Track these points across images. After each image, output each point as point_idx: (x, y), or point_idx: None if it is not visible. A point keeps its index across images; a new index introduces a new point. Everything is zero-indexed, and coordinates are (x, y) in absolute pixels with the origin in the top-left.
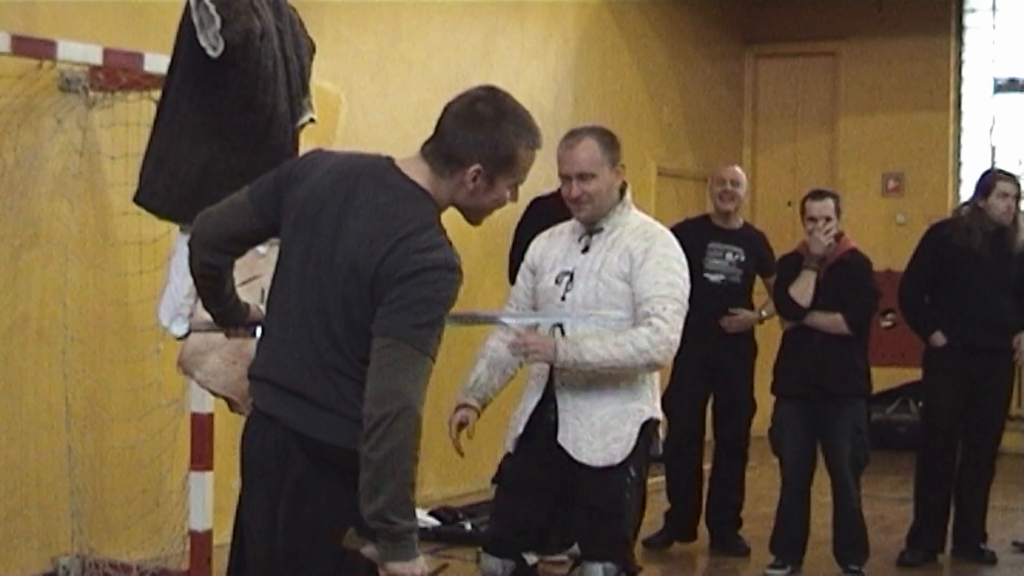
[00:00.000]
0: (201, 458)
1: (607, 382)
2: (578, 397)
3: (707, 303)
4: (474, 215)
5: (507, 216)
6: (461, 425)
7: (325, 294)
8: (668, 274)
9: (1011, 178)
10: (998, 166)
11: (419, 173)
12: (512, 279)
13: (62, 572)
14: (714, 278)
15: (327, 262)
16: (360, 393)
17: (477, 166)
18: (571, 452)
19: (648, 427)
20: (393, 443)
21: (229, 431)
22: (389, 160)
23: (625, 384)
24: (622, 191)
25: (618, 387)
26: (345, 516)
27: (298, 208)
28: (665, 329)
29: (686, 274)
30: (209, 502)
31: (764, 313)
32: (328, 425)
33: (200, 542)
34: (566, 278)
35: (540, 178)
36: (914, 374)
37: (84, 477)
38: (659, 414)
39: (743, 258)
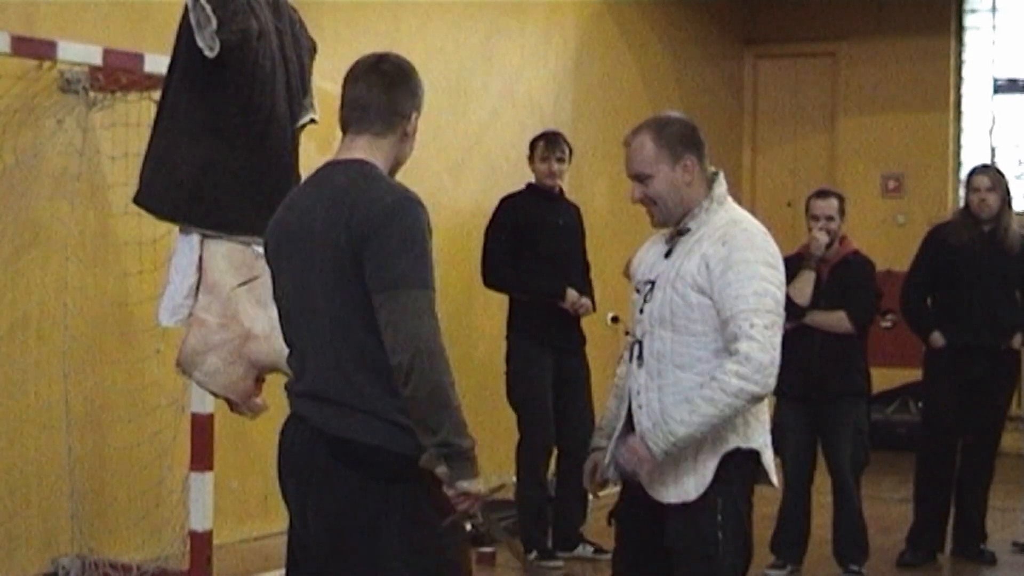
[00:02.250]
0: (201, 458)
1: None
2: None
3: None
4: (398, 169)
5: (477, 217)
6: (592, 472)
7: (320, 294)
8: (752, 282)
9: (987, 171)
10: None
11: (354, 150)
12: (485, 279)
13: (62, 572)
14: None
15: (310, 264)
16: (379, 384)
17: (415, 113)
18: (645, 486)
19: (736, 458)
20: (431, 381)
21: (229, 432)
22: (325, 164)
23: None
24: (712, 184)
25: None
26: (368, 505)
27: (272, 241)
28: (756, 353)
29: (779, 276)
30: (209, 502)
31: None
32: (349, 423)
33: (200, 542)
34: (648, 287)
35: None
36: (914, 374)
37: (84, 477)
38: (757, 443)
39: None
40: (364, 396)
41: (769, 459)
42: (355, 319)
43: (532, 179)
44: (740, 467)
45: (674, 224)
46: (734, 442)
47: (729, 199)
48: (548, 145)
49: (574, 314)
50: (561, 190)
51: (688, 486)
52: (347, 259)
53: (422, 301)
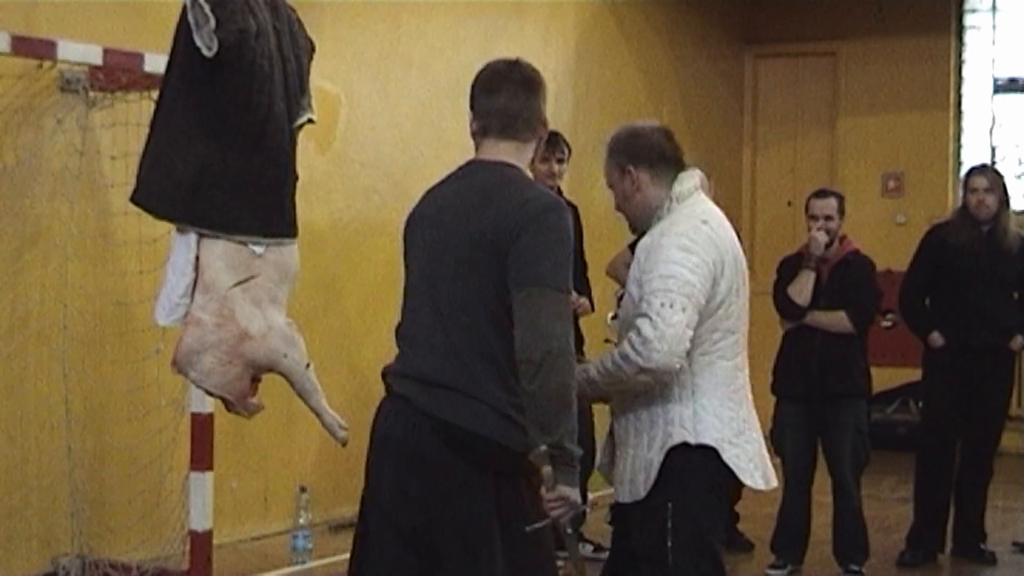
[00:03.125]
0: (201, 458)
1: (640, 403)
2: (618, 422)
3: None
4: None
5: None
6: None
7: (448, 282)
8: (661, 265)
9: (984, 171)
10: (997, 166)
11: (500, 154)
12: None
13: (62, 572)
14: None
15: (447, 256)
16: (497, 377)
17: (544, 118)
18: (615, 488)
19: (689, 457)
20: (557, 380)
21: (229, 431)
22: (470, 162)
23: (659, 404)
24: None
25: (650, 406)
26: (472, 495)
27: (409, 228)
28: (646, 328)
29: (692, 259)
30: (209, 502)
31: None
32: (462, 410)
33: (200, 542)
34: (621, 293)
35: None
36: (914, 374)
37: (84, 477)
38: (711, 439)
39: None
40: (481, 386)
41: (735, 456)
42: (481, 311)
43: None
44: (696, 467)
45: (638, 233)
46: (680, 436)
47: (697, 195)
48: (548, 146)
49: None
50: (560, 190)
51: (638, 483)
52: (485, 253)
53: (560, 303)
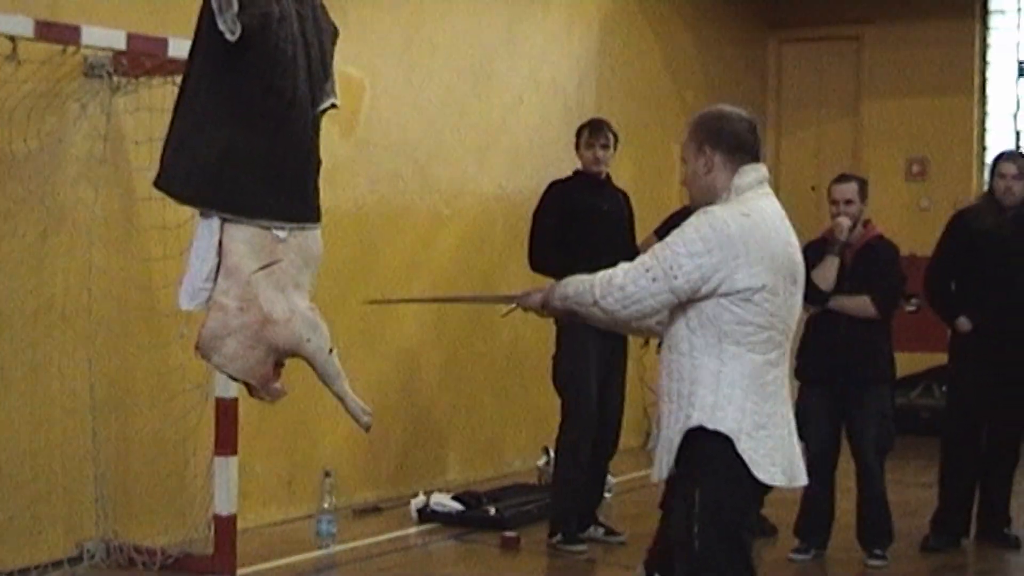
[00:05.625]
0: (225, 443)
1: (674, 386)
2: (661, 405)
3: None
4: None
5: (529, 201)
6: None
7: None
8: (675, 237)
9: (1014, 158)
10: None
11: None
12: (532, 263)
13: (87, 556)
14: None
15: None
16: None
17: None
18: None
19: (709, 442)
20: None
21: (253, 416)
22: None
23: (688, 386)
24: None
25: (681, 389)
26: None
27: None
28: (619, 276)
29: (698, 246)
30: (233, 487)
31: None
32: None
33: (224, 526)
34: None
35: (536, 161)
36: (938, 359)
37: (109, 462)
38: (726, 427)
39: None
40: None
41: (750, 448)
42: None
43: (578, 165)
44: (715, 454)
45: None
46: (698, 420)
47: (755, 190)
48: (592, 132)
49: None
50: (608, 176)
51: (663, 464)
52: None
53: None
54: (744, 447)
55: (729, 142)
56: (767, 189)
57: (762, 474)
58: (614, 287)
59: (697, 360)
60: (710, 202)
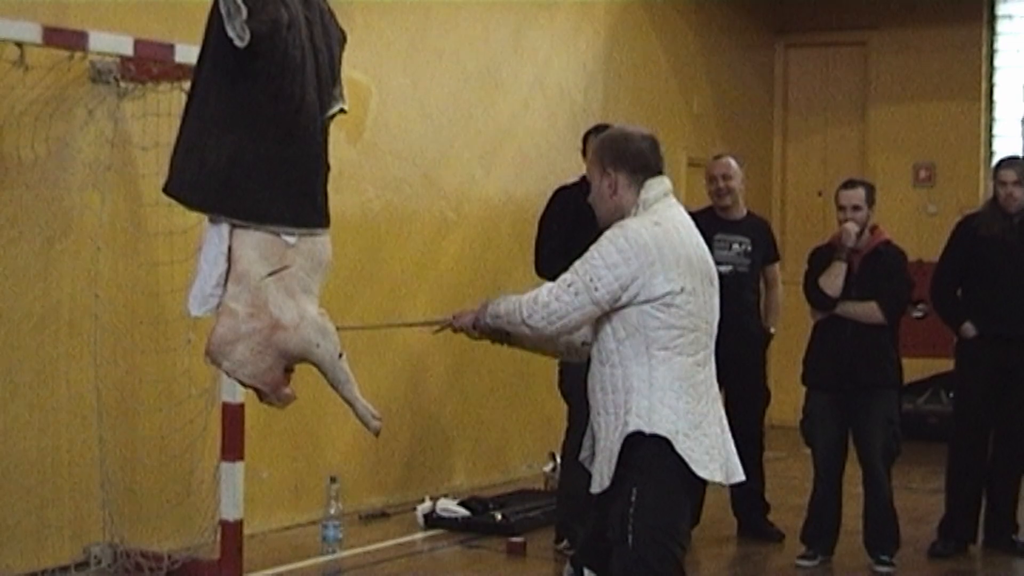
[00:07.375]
0: (232, 448)
1: (608, 398)
2: (594, 418)
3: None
4: None
5: (535, 207)
6: None
7: None
8: (593, 251)
9: (1013, 164)
10: None
11: None
12: (538, 269)
13: (93, 561)
14: (723, 269)
15: None
16: None
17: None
18: (592, 480)
19: (647, 446)
20: None
21: (259, 421)
22: None
23: (623, 396)
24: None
25: (616, 400)
26: None
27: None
28: (544, 295)
29: (617, 257)
30: (240, 492)
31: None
32: None
33: (230, 532)
34: None
35: (542, 167)
36: (945, 365)
37: (115, 467)
38: (664, 430)
39: (750, 248)
40: None
41: (689, 448)
42: None
43: (584, 171)
44: (652, 457)
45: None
46: (635, 425)
47: (662, 201)
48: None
49: None
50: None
51: (605, 474)
52: None
53: None
54: (682, 447)
55: (632, 163)
56: (673, 200)
57: (703, 471)
58: (539, 305)
59: (628, 369)
60: (619, 220)
